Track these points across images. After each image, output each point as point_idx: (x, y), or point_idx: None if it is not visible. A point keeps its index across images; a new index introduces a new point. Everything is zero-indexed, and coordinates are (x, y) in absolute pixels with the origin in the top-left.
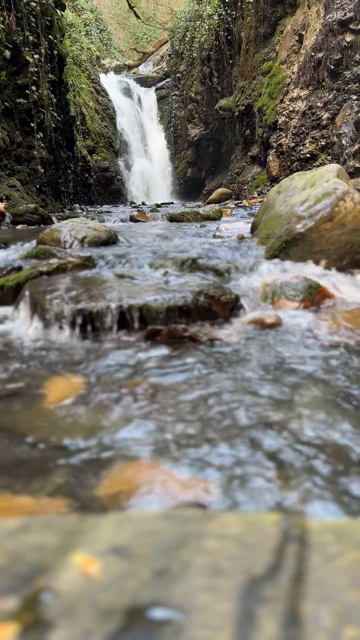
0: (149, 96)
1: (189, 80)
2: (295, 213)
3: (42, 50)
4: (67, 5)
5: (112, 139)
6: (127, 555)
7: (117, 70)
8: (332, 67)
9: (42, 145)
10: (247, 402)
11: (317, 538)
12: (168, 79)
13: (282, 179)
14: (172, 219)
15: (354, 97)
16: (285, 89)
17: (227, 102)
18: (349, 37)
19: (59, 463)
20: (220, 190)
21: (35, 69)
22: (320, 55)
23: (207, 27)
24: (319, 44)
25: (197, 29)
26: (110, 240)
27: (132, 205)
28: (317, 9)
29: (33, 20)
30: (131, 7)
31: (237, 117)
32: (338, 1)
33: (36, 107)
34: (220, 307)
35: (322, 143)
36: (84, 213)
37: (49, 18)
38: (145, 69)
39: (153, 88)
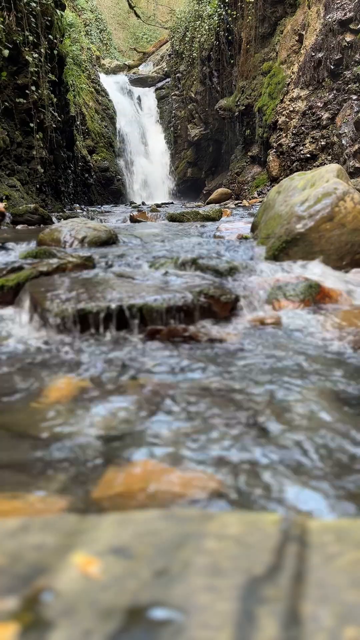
0: (149, 96)
1: (189, 80)
2: (295, 213)
3: (42, 50)
4: (67, 5)
5: (112, 139)
6: (127, 555)
7: (117, 70)
8: (332, 67)
9: (42, 145)
10: (246, 401)
11: (317, 538)
12: (168, 79)
13: (282, 179)
14: (172, 219)
15: (354, 97)
16: (285, 89)
17: (227, 102)
18: (349, 37)
19: (59, 463)
20: (220, 190)
21: (35, 69)
22: (320, 55)
23: (207, 27)
24: (319, 44)
25: (197, 29)
26: (110, 240)
27: (132, 205)
28: (317, 9)
29: (33, 20)
30: (131, 7)
31: (237, 117)
32: (338, 1)
33: (36, 107)
34: (220, 307)
35: (322, 143)
36: (84, 213)
37: (49, 18)
38: (145, 69)
39: (153, 88)
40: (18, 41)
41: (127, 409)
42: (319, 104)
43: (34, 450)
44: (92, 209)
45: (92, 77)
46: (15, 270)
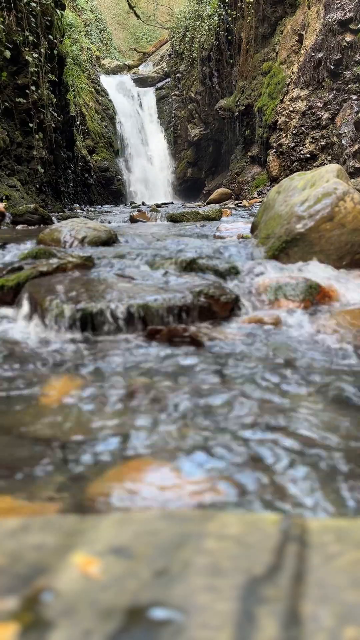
0: (149, 96)
1: (189, 80)
2: (295, 213)
3: (42, 50)
4: (67, 5)
5: (112, 139)
6: (127, 555)
7: (117, 70)
8: (332, 67)
9: (42, 145)
10: (246, 401)
11: (317, 538)
12: (168, 79)
13: (282, 179)
14: (172, 219)
15: (354, 97)
16: (285, 89)
17: (227, 102)
18: (349, 37)
19: (59, 463)
20: (220, 190)
21: (35, 69)
22: (320, 55)
23: (207, 27)
24: (319, 44)
25: (197, 29)
26: (110, 240)
27: (132, 205)
28: (317, 9)
29: (33, 20)
30: (131, 7)
31: (237, 117)
32: (338, 1)
33: (36, 107)
34: (220, 307)
35: (322, 143)
36: (84, 213)
37: (49, 18)
38: (145, 69)
39: (153, 88)
40: (18, 41)
41: (126, 409)
42: (318, 104)
43: (33, 450)
44: (92, 209)
45: (92, 77)
46: (15, 270)
